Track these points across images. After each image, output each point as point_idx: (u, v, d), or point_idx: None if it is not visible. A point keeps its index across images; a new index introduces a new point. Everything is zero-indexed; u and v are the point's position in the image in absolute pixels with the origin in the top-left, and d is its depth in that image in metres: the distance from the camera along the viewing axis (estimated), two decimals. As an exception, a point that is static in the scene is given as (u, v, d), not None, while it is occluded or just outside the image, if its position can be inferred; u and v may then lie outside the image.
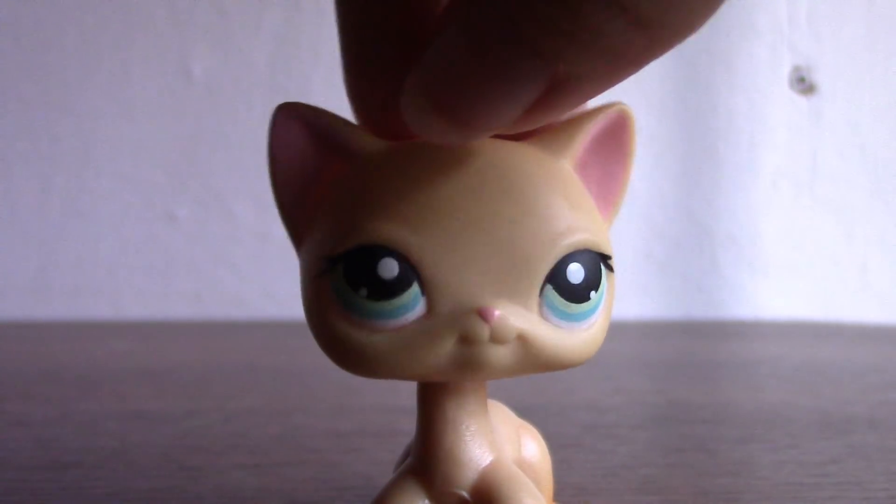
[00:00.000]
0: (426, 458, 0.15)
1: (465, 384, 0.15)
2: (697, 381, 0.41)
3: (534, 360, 0.14)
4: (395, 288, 0.13)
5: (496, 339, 0.13)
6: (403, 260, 0.13)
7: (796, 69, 0.68)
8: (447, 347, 0.13)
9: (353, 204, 0.14)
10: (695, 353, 0.52)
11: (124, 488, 0.22)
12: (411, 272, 0.13)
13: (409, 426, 0.29)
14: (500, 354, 0.14)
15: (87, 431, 0.29)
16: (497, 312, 0.13)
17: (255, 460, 0.25)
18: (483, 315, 0.13)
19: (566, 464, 0.25)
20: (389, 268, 0.13)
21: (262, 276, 0.65)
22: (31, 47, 0.64)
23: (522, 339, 0.14)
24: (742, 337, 0.60)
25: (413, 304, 0.13)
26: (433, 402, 0.15)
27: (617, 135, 0.16)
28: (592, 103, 0.15)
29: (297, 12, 0.65)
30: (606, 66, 0.11)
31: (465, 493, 0.15)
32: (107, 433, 0.28)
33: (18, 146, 0.64)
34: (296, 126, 0.15)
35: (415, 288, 0.13)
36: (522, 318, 0.14)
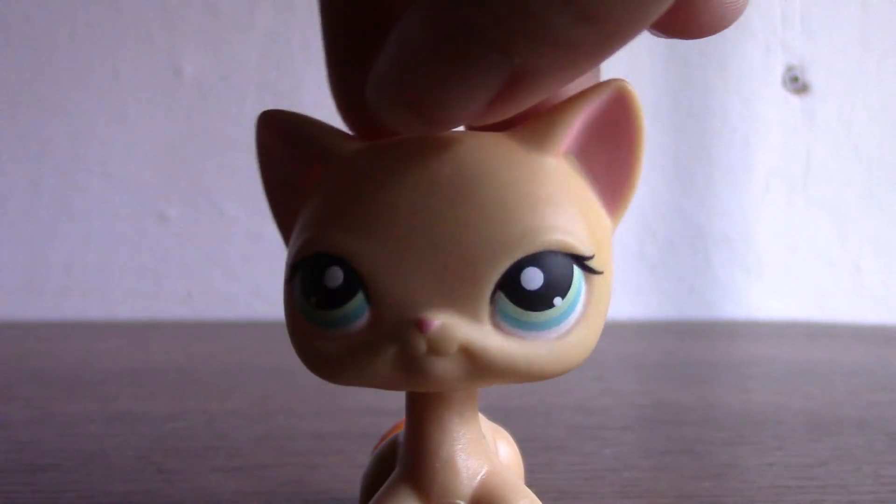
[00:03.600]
0: (421, 467, 0.15)
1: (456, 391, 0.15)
2: (688, 382, 0.40)
3: (487, 372, 0.13)
4: (339, 297, 0.13)
5: (434, 351, 0.13)
6: (348, 269, 0.13)
7: (790, 69, 0.68)
8: (388, 358, 0.13)
9: (315, 211, 0.14)
10: (687, 353, 0.51)
11: (99, 492, 0.22)
12: (356, 281, 0.13)
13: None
14: (444, 366, 0.13)
15: (66, 433, 0.28)
16: (435, 323, 0.13)
17: (235, 463, 0.25)
18: (420, 326, 0.13)
19: (548, 466, 0.24)
20: (334, 277, 0.13)
21: (253, 276, 0.64)
22: (22, 47, 0.64)
23: (467, 351, 0.13)
24: (735, 337, 0.60)
25: (358, 313, 0.13)
26: (426, 408, 0.15)
27: (619, 116, 0.14)
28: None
29: (289, 11, 0.65)
30: (561, 60, 0.11)
31: None
32: (86, 435, 0.28)
33: (9, 146, 0.64)
34: (274, 133, 0.15)
35: (359, 297, 0.13)
36: (468, 328, 0.13)
